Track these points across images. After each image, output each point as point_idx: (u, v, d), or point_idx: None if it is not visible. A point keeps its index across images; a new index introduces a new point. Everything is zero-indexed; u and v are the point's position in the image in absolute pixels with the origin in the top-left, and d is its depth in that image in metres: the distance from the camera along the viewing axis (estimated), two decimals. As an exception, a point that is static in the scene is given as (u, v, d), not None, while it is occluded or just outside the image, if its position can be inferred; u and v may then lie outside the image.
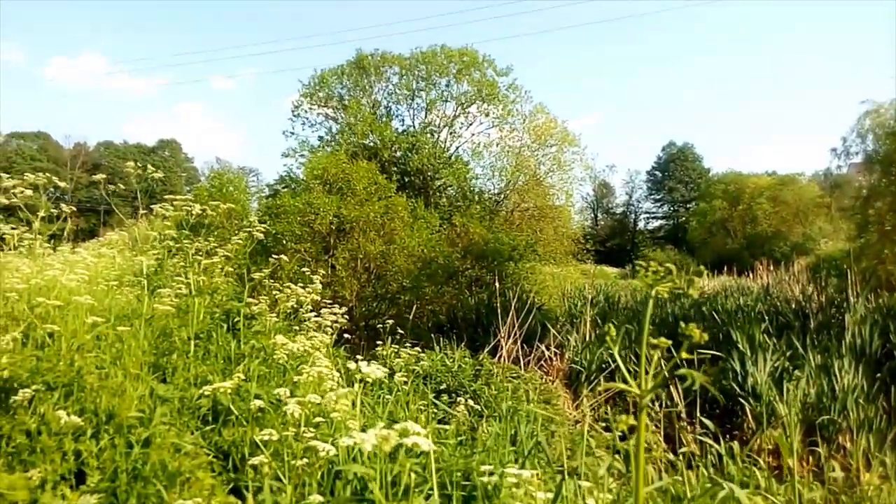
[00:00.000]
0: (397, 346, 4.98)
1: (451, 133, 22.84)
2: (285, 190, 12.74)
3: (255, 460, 2.44)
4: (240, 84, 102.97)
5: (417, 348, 5.24)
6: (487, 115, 22.19)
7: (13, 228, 3.86)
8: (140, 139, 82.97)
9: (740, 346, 8.05)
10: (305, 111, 23.06)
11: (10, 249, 3.84)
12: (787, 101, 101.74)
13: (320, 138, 22.15)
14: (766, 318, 10.74)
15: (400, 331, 5.60)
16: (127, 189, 4.76)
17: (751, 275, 24.81)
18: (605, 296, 19.54)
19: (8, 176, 3.66)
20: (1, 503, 2.12)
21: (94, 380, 2.68)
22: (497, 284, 15.50)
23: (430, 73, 22.44)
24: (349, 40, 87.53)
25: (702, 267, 1.78)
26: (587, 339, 10.05)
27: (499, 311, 13.38)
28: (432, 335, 10.53)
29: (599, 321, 13.12)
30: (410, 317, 9.53)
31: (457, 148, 23.02)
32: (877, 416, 6.33)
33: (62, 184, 4.49)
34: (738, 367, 7.63)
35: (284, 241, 10.80)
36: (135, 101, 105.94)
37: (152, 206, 4.77)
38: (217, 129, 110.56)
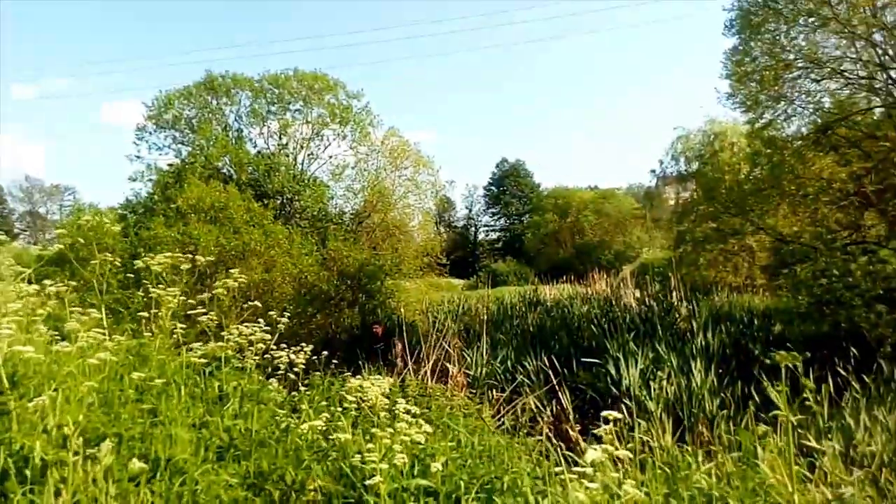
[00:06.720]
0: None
1: (308, 155, 23.04)
2: (155, 219, 12.41)
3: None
4: (43, 93, 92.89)
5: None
6: (344, 137, 22.70)
7: None
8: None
9: (611, 351, 9.37)
10: (150, 133, 22.15)
11: None
12: (604, 125, 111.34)
13: (170, 165, 21.33)
14: (614, 324, 12.29)
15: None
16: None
17: (584, 281, 27.34)
18: (463, 308, 20.65)
19: None
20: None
21: (160, 431, 3.00)
22: (368, 304, 16.07)
23: (283, 96, 22.52)
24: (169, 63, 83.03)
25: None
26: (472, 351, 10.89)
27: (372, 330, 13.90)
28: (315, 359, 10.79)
29: (464, 333, 14.16)
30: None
31: (315, 169, 23.27)
32: (728, 406, 7.80)
33: None
34: (612, 371, 8.89)
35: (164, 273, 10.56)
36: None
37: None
38: (19, 141, 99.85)
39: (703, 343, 10.32)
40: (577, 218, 51.79)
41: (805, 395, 2.60)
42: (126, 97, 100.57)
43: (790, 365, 2.73)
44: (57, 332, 4.52)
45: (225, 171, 20.77)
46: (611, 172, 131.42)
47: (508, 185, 68.91)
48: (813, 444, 5.23)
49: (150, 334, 4.81)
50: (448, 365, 8.84)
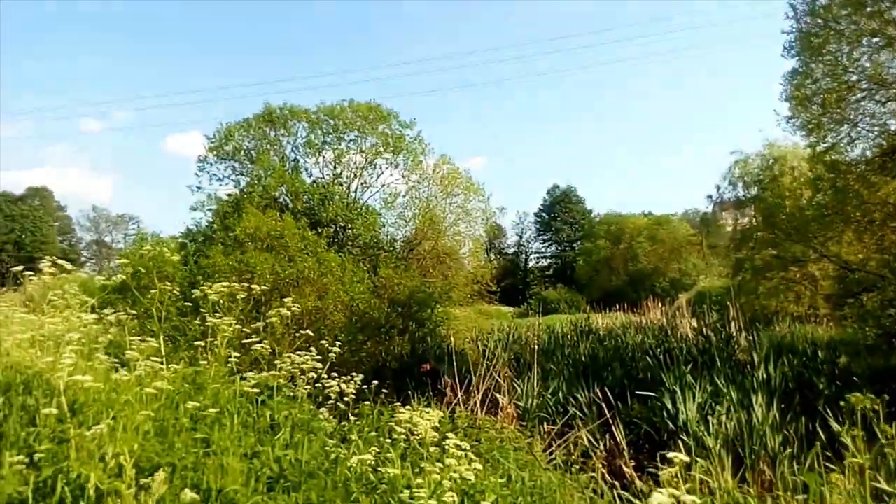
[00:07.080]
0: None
1: (361, 183, 23.39)
2: (213, 247, 12.76)
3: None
4: (112, 126, 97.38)
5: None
6: (397, 166, 22.96)
7: None
8: (4, 187, 76.07)
9: (667, 384, 9.08)
10: (211, 164, 22.86)
11: None
12: (656, 150, 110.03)
13: (229, 195, 21.92)
14: (670, 355, 11.94)
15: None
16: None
17: (637, 309, 26.75)
18: (513, 337, 20.39)
19: None
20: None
21: (212, 461, 3.02)
22: (418, 332, 16.06)
23: (338, 127, 22.96)
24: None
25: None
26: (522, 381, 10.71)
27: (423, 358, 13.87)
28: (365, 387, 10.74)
29: (515, 363, 13.96)
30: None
31: (368, 197, 23.57)
32: (791, 443, 7.43)
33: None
34: (669, 405, 8.61)
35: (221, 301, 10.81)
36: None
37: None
38: (86, 173, 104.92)
39: (765, 376, 9.92)
40: (631, 244, 50.93)
41: (882, 441, 2.44)
42: (188, 129, 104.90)
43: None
44: (117, 360, 4.65)
45: (281, 200, 21.23)
46: (665, 198, 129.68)
47: (559, 211, 68.42)
48: (884, 486, 4.94)
49: (205, 362, 4.89)
50: (498, 395, 8.71)
